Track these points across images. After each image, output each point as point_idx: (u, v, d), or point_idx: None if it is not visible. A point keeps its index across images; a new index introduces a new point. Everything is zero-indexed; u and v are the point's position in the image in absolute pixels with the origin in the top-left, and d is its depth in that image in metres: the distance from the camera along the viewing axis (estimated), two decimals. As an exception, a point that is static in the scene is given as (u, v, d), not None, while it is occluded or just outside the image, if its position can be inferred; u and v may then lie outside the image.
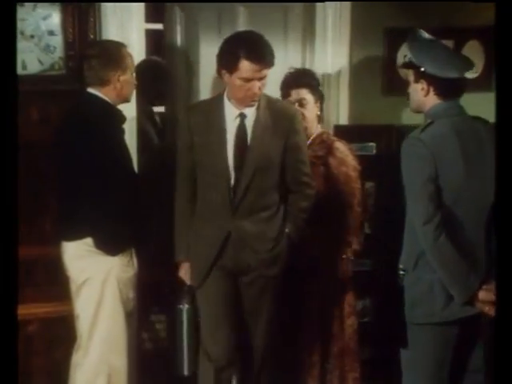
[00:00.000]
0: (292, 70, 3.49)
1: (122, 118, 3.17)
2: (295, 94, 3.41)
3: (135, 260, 3.18)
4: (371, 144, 3.88)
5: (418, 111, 2.92)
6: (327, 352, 3.45)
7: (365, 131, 3.91)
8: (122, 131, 3.16)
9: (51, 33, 3.49)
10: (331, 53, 3.95)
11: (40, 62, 3.48)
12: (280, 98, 3.40)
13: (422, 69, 2.77)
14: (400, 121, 3.91)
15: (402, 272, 2.85)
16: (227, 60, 2.97)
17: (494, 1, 2.26)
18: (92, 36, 3.55)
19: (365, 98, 3.99)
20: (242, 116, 3.07)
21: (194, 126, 3.09)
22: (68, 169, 3.07)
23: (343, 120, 4.02)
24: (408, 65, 2.88)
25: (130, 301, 3.17)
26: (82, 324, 3.13)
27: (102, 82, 3.10)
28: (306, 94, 3.41)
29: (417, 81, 2.82)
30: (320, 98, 3.47)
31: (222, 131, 3.07)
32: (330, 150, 3.42)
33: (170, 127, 3.98)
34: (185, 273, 3.25)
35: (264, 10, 3.93)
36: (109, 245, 3.05)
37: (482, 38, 3.98)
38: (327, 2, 3.89)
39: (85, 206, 3.01)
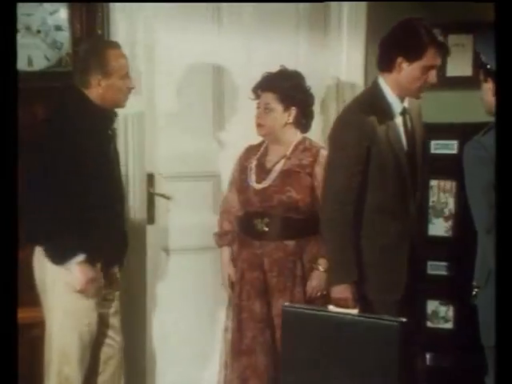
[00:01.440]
0: (267, 72, 3.30)
1: (104, 120, 3.04)
2: (263, 98, 3.25)
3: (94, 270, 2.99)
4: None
5: (490, 113, 2.73)
6: None
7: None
8: (101, 132, 3.02)
9: (58, 28, 3.42)
10: (346, 48, 3.87)
11: (46, 58, 3.41)
12: None
13: (488, 66, 2.64)
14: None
15: (475, 290, 2.70)
16: (413, 47, 2.86)
17: (494, 1, 2.21)
18: (100, 31, 3.48)
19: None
20: (406, 110, 2.98)
21: (372, 135, 2.87)
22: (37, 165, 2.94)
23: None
24: (479, 63, 2.76)
25: (87, 311, 3.01)
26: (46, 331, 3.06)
27: (85, 85, 3.00)
28: (271, 100, 3.22)
29: (485, 80, 2.69)
30: (297, 105, 3.24)
31: (397, 130, 2.92)
32: (315, 157, 3.25)
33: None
34: (352, 296, 2.92)
35: (275, 4, 3.81)
36: (56, 253, 2.92)
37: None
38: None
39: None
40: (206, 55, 3.74)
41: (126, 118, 3.54)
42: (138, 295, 3.66)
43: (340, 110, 3.86)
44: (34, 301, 3.11)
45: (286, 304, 2.62)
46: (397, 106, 2.96)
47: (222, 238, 3.43)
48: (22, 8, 3.27)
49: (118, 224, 3.13)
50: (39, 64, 3.40)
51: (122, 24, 3.53)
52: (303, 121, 3.31)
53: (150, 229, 3.70)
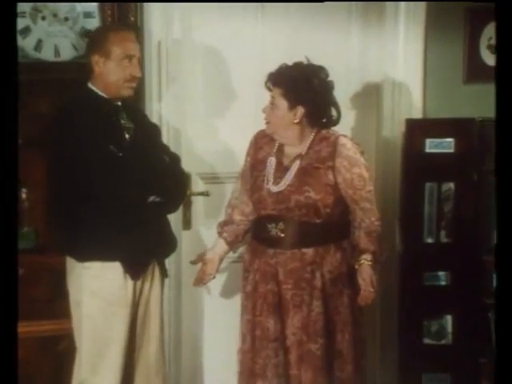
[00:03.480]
0: (284, 64, 2.93)
1: (107, 110, 2.83)
2: (272, 92, 2.90)
3: (114, 271, 2.82)
4: (449, 140, 3.53)
5: None
6: None
7: (442, 126, 3.57)
8: (107, 123, 2.81)
9: (88, 15, 3.23)
10: (403, 36, 3.62)
11: (75, 47, 3.22)
12: None
13: None
14: (483, 113, 3.49)
15: None
16: None
17: (494, 1, 2.19)
18: (133, 18, 3.25)
19: (442, 87, 3.67)
20: None
21: None
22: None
23: (417, 113, 3.69)
24: None
25: (116, 316, 2.84)
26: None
27: (89, 71, 2.84)
28: (277, 96, 2.87)
29: None
30: (304, 104, 2.86)
31: None
32: (334, 146, 2.88)
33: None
34: None
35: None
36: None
37: None
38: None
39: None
40: (248, 46, 3.53)
41: (161, 112, 3.38)
42: (172, 305, 3.52)
43: (396, 104, 3.70)
44: (61, 313, 3.00)
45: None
46: None
47: (224, 226, 3.09)
48: (48, -7, 3.15)
49: (147, 219, 2.84)
50: (67, 54, 3.22)
51: (157, 11, 3.33)
52: (314, 120, 2.94)
53: (185, 234, 3.50)
